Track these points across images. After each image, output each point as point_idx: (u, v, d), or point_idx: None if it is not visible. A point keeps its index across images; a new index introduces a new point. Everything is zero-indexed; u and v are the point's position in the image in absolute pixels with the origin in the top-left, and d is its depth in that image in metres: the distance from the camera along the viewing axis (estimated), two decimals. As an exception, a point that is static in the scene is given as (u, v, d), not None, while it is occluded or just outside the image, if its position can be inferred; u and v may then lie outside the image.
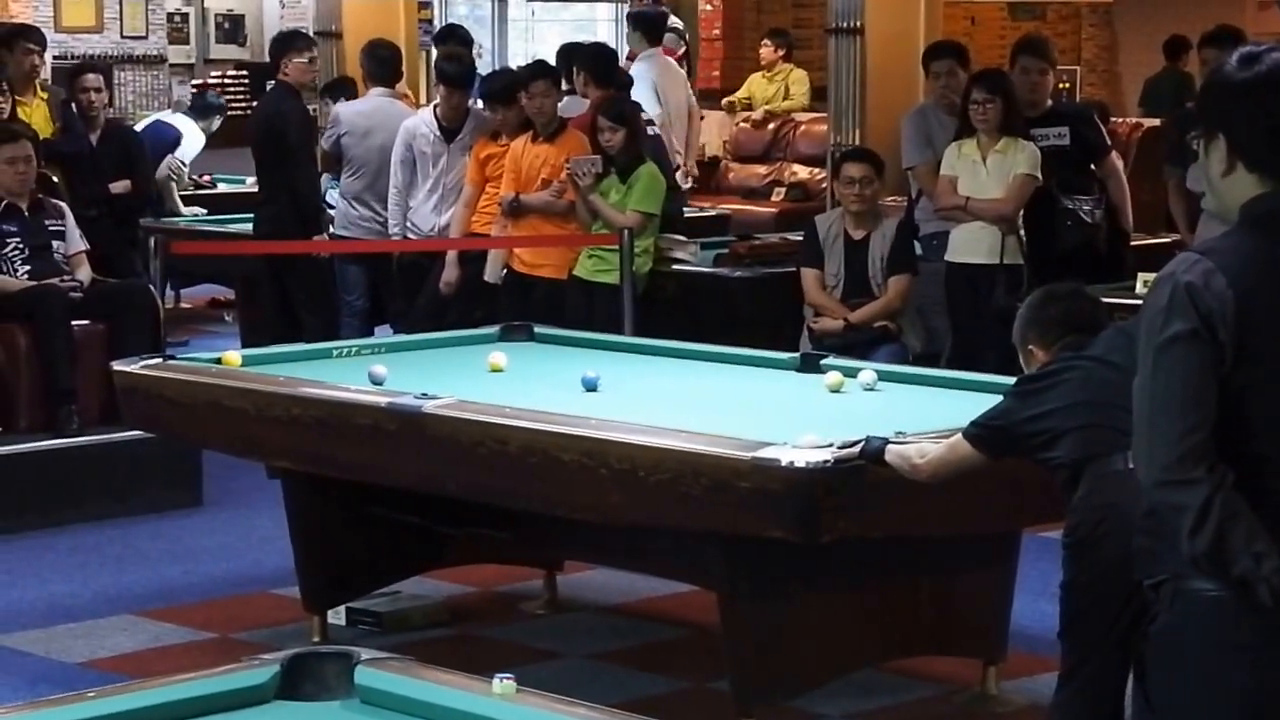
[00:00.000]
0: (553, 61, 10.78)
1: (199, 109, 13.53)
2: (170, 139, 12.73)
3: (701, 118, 14.56)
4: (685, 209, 11.25)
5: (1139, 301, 6.73)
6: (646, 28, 12.01)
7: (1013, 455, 4.76)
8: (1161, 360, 3.21)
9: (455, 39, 11.33)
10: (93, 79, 10.57)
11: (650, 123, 10.53)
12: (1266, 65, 3.29)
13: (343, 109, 10.54)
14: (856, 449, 4.93)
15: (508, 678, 3.19)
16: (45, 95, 10.53)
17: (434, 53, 12.27)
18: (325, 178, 10.83)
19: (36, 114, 10.20)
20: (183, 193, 12.78)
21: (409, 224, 9.92)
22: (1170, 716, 3.31)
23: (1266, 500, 3.20)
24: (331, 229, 10.47)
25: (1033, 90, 9.11)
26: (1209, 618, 3.21)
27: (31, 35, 10.79)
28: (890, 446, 4.91)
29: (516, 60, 14.55)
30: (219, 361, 6.59)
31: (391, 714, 3.22)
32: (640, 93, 10.99)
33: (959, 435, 4.78)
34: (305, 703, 3.28)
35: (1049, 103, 9.44)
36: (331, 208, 10.61)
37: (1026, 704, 5.94)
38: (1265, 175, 3.28)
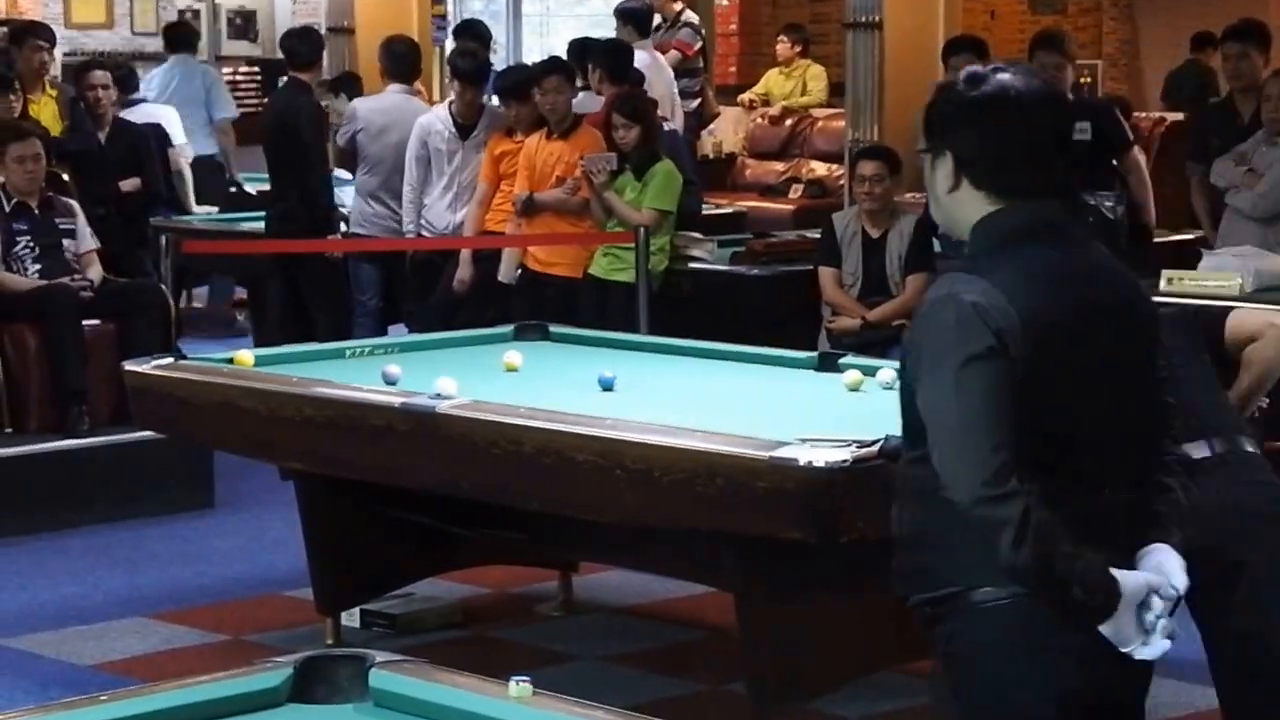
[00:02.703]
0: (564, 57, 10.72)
1: (177, 42, 13.38)
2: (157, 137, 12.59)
3: (717, 114, 14.54)
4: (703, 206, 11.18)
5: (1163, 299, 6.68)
6: (637, 22, 11.94)
7: None
8: (963, 380, 3.30)
9: (472, 34, 11.27)
10: (100, 76, 10.50)
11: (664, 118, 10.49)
12: (992, 86, 3.42)
13: (360, 105, 10.48)
14: (875, 448, 4.87)
15: (524, 680, 3.17)
16: (54, 93, 10.48)
17: (449, 48, 12.19)
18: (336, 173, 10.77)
19: (45, 111, 10.17)
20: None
21: (423, 222, 9.87)
22: None
23: (1066, 506, 3.30)
24: (347, 227, 10.43)
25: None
26: (1022, 623, 3.34)
27: (41, 32, 10.75)
28: None
29: (531, 55, 14.50)
30: (230, 362, 6.54)
31: (406, 717, 3.21)
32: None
33: None
34: (319, 706, 3.26)
35: (1069, 97, 9.36)
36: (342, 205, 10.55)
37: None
38: (990, 193, 3.41)
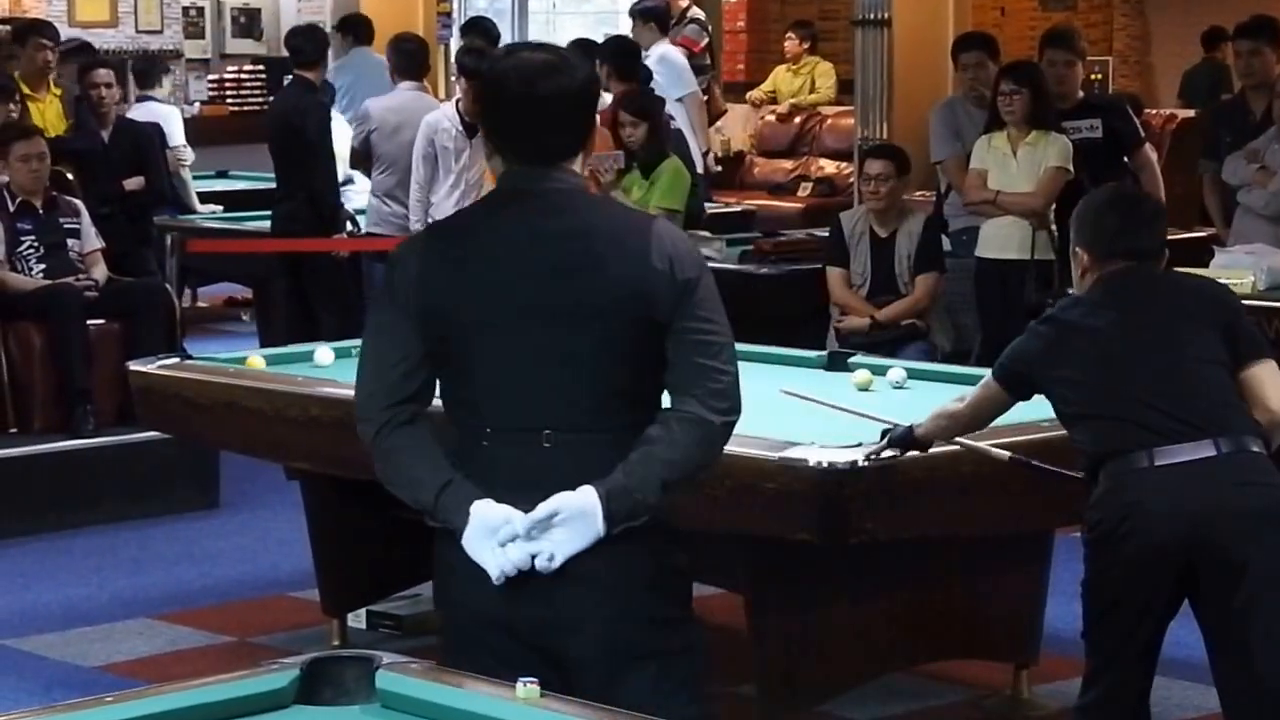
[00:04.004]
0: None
1: (150, 72, 13.03)
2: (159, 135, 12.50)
3: (724, 111, 14.50)
4: (709, 204, 11.13)
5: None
6: (658, 19, 11.91)
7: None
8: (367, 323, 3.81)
9: (479, 31, 11.22)
10: (103, 74, 10.39)
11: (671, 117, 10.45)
12: (495, 64, 3.81)
13: (372, 105, 10.42)
14: (883, 442, 4.84)
15: (531, 682, 3.15)
16: (58, 91, 10.43)
17: (454, 46, 12.13)
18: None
19: (49, 110, 10.12)
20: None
21: (431, 220, 9.82)
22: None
23: (476, 446, 3.69)
24: (353, 226, 10.38)
25: (1060, 82, 8.99)
26: (443, 542, 3.68)
27: (44, 30, 10.70)
28: (919, 422, 4.87)
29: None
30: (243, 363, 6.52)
31: (413, 719, 3.18)
32: (663, 78, 10.96)
33: (989, 374, 4.82)
34: (325, 707, 3.25)
35: (1080, 94, 9.32)
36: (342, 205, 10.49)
37: (1059, 708, 5.86)
38: (503, 157, 3.75)
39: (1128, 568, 4.48)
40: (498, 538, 3.57)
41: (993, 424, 4.96)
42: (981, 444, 4.98)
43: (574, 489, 3.57)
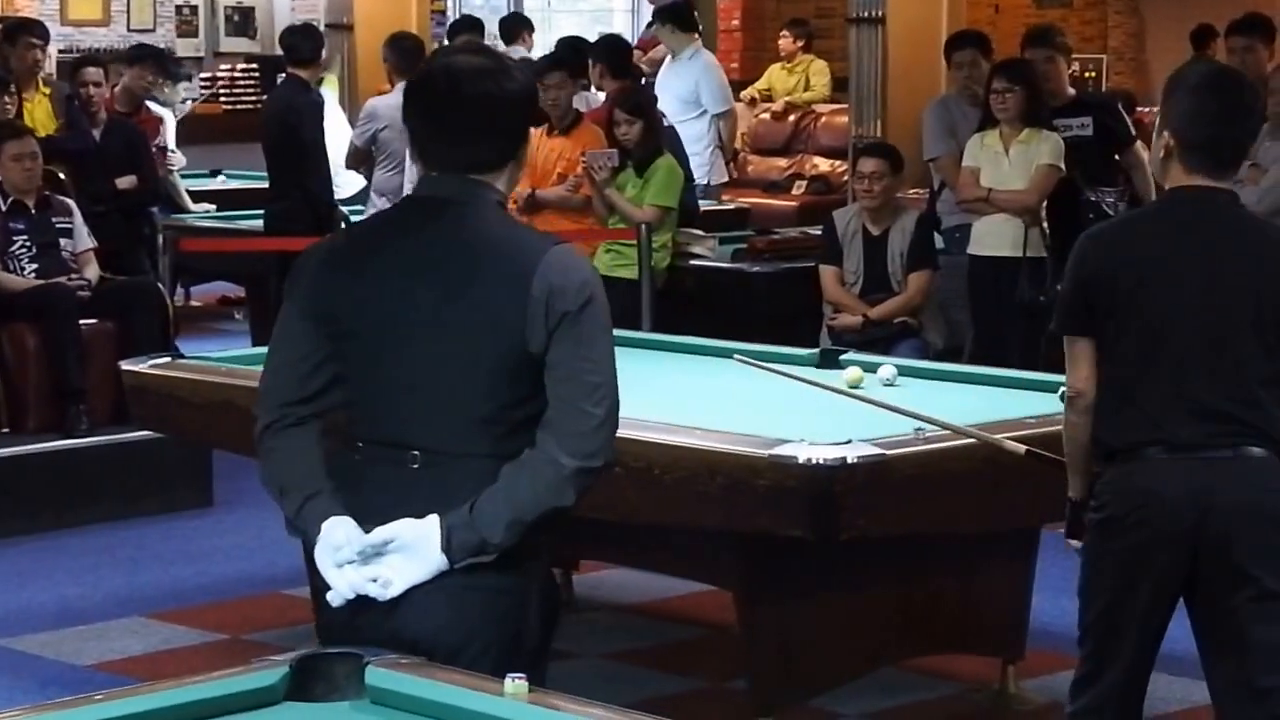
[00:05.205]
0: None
1: (163, 75, 13.07)
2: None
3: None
4: (705, 202, 11.13)
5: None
6: (681, 21, 11.77)
7: None
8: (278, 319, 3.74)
9: (469, 28, 11.23)
10: (93, 73, 10.36)
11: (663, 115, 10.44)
12: (428, 62, 3.81)
13: (378, 103, 10.43)
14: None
15: (519, 677, 3.15)
16: (49, 90, 10.42)
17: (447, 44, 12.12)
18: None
19: (40, 109, 10.11)
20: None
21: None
22: None
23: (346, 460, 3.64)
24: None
25: (1045, 80, 8.99)
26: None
27: (34, 29, 10.67)
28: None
29: (533, 51, 14.45)
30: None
31: (402, 714, 3.19)
32: (706, 89, 10.93)
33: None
34: (316, 704, 3.25)
35: (1071, 92, 9.34)
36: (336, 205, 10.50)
37: (1047, 702, 5.88)
38: (421, 162, 3.67)
39: (1135, 553, 4.34)
40: (335, 559, 3.49)
41: (1004, 417, 4.93)
42: (996, 436, 4.97)
43: (439, 512, 3.46)
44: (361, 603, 3.49)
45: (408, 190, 9.71)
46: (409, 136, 3.66)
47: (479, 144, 3.56)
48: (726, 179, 12.01)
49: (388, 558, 3.47)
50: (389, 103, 10.38)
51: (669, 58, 11.79)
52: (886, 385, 6.15)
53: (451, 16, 14.63)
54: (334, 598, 3.50)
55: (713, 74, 11.76)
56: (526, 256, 3.49)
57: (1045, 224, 8.70)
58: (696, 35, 11.96)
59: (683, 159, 9.81)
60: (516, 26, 13.11)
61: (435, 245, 3.54)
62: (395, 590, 3.46)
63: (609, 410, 3.52)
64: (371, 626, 3.47)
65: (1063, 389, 4.54)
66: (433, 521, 3.46)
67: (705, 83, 11.58)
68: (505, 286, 3.48)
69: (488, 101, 3.54)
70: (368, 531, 3.49)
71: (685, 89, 11.31)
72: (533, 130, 10.02)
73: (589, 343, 3.52)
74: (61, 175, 9.37)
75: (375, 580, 3.47)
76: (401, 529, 3.47)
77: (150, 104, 11.98)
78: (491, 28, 13.84)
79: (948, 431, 5.07)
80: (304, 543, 3.59)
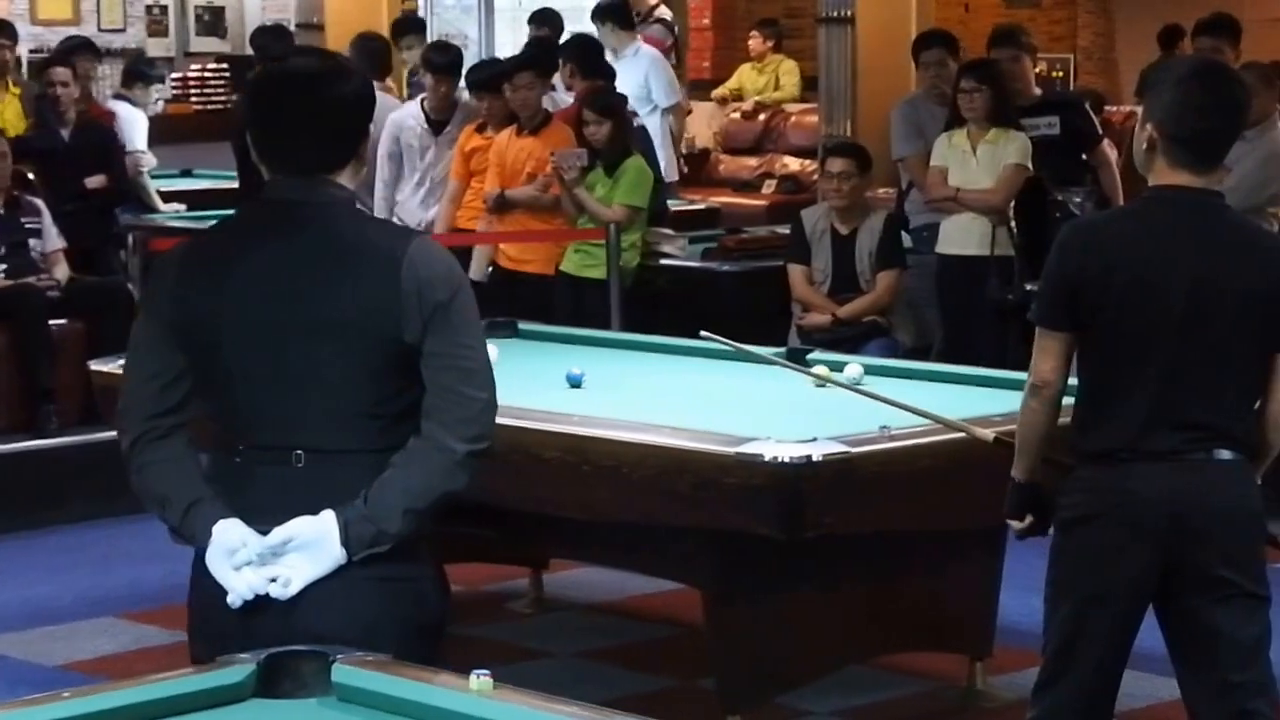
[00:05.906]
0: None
1: (138, 76, 13.06)
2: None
3: (690, 110, 14.50)
4: (672, 201, 11.13)
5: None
6: (618, 17, 11.73)
7: None
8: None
9: (414, 28, 11.20)
10: (61, 73, 10.31)
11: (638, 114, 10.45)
12: (267, 68, 3.84)
13: None
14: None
15: (484, 674, 3.15)
16: (18, 90, 10.39)
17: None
18: None
19: (8, 109, 10.09)
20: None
21: (395, 219, 9.83)
22: None
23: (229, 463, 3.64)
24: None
25: (1011, 79, 9.02)
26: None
27: (3, 29, 10.65)
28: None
29: (504, 50, 14.44)
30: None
31: (369, 711, 3.19)
32: (655, 84, 10.93)
33: None
34: (283, 701, 3.25)
35: (1037, 91, 9.36)
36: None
37: (1014, 699, 5.87)
38: (267, 166, 3.66)
39: (1110, 552, 4.28)
40: (232, 561, 3.50)
41: (972, 415, 4.96)
42: (964, 422, 4.95)
43: (326, 510, 3.49)
44: (254, 604, 3.51)
45: (379, 189, 9.78)
46: (250, 141, 3.67)
47: (322, 146, 3.61)
48: (677, 177, 11.96)
49: (286, 557, 3.50)
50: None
51: (611, 56, 11.75)
52: (853, 384, 6.16)
53: (425, 17, 14.60)
54: (234, 600, 3.51)
55: (660, 68, 11.72)
56: (391, 251, 3.54)
57: (1013, 223, 8.73)
58: (635, 33, 11.92)
59: (652, 159, 9.81)
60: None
61: (295, 247, 3.56)
62: (295, 588, 3.49)
63: (491, 393, 3.58)
64: (267, 627, 3.48)
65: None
66: (329, 517, 3.50)
67: (654, 76, 11.56)
68: (374, 282, 3.52)
69: (327, 104, 3.59)
70: (258, 533, 3.51)
71: (635, 86, 11.29)
72: (503, 130, 10.09)
73: (464, 330, 3.56)
74: (30, 175, 9.36)
75: (275, 580, 3.50)
76: (300, 527, 3.50)
77: (125, 104, 11.97)
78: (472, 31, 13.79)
79: (914, 429, 5.08)
80: (195, 553, 3.59)
